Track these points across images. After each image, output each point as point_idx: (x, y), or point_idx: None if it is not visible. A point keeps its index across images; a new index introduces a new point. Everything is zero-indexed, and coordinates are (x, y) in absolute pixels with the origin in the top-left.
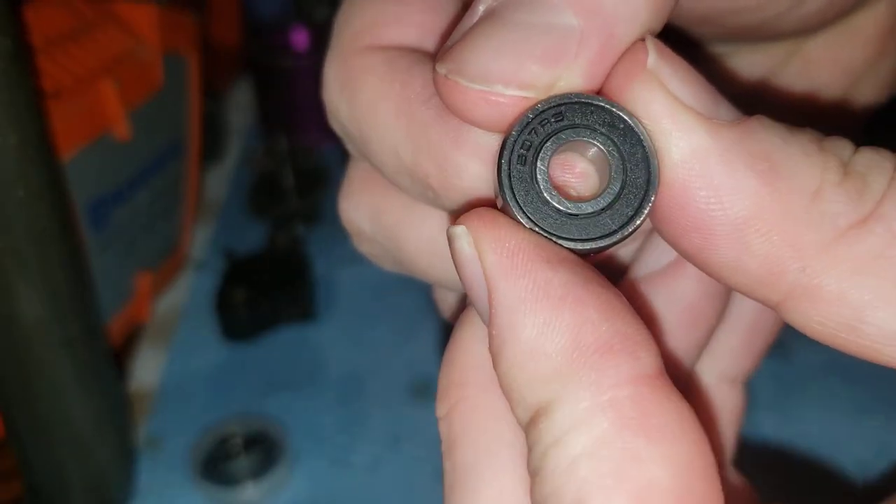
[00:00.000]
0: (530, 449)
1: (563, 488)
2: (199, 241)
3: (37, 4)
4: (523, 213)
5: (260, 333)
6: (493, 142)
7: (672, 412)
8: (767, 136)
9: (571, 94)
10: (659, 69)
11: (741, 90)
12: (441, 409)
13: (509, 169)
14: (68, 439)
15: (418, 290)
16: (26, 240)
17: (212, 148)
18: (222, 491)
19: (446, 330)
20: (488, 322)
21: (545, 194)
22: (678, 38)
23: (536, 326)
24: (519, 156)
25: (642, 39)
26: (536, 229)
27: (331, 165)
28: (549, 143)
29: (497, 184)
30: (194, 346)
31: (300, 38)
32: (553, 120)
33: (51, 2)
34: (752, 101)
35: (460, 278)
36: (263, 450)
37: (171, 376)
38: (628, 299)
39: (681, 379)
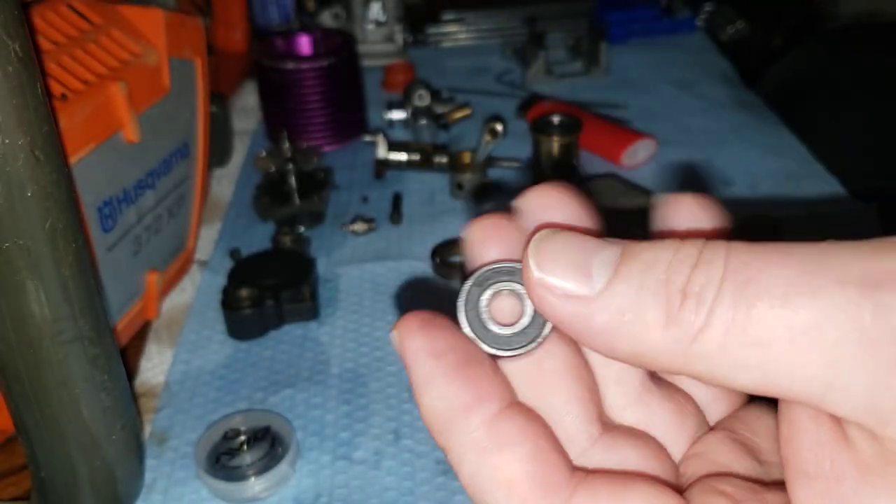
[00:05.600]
0: None
1: None
2: (205, 241)
3: (45, 9)
4: (467, 325)
5: (264, 332)
6: None
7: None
8: (626, 291)
9: (505, 263)
10: (542, 279)
11: None
12: None
13: (467, 295)
14: (77, 435)
15: (418, 289)
16: (36, 239)
17: (218, 150)
18: (227, 485)
19: None
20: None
21: (482, 316)
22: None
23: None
24: (471, 290)
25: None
26: (469, 334)
27: (333, 167)
28: (489, 287)
29: (459, 304)
30: (200, 344)
31: (304, 43)
32: (492, 274)
33: (58, 6)
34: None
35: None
36: (267, 445)
37: (178, 373)
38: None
39: None
